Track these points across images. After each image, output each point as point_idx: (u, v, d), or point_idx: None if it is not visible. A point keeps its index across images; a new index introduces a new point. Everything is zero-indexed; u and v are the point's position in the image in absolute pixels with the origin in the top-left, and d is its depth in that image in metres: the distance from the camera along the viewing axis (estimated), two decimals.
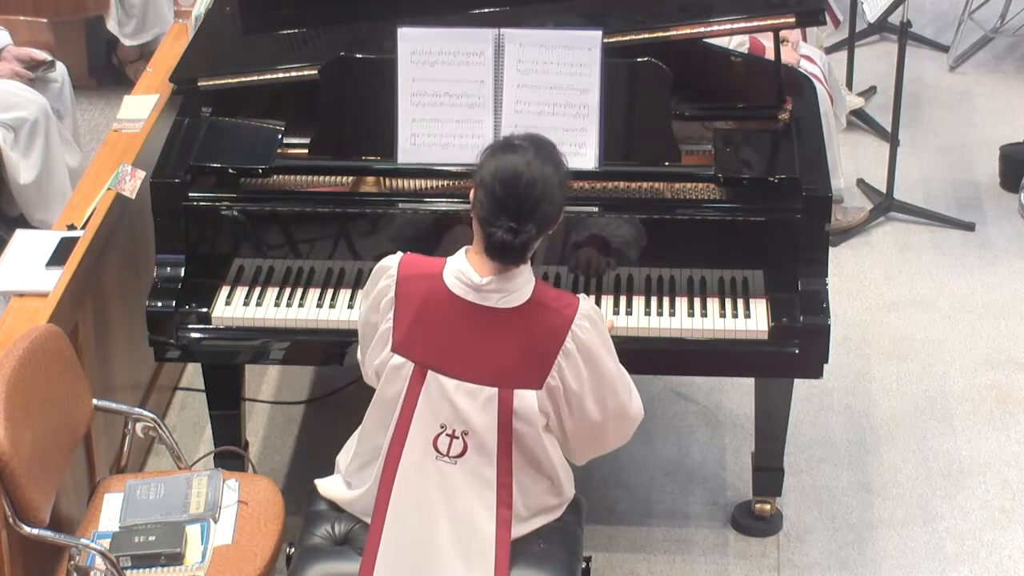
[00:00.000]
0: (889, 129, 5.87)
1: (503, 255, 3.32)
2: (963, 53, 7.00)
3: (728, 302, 4.00)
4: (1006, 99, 6.71)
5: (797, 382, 4.16)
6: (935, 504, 4.53)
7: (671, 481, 4.61)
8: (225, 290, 4.04)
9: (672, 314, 3.97)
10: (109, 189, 4.24)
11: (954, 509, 4.52)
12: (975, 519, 4.48)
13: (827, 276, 3.98)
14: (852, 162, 6.12)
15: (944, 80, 6.88)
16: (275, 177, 4.14)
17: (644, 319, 3.96)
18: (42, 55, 5.55)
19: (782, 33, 4.32)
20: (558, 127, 3.96)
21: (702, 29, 4.19)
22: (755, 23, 4.22)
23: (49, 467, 3.57)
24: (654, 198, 4.12)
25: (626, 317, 3.95)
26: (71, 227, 4.23)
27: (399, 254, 3.47)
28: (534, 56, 3.98)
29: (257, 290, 4.04)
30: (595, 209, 4.00)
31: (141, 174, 4.20)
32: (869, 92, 6.61)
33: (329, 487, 3.65)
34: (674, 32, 4.16)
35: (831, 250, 4.05)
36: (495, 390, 3.38)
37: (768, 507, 4.40)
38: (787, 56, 5.12)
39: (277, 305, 4.01)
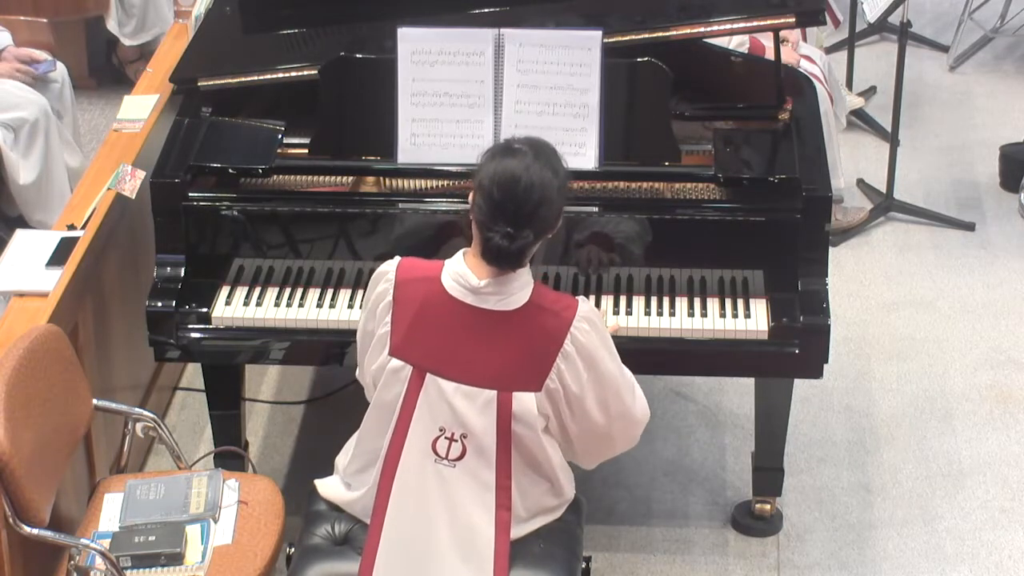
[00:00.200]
0: (889, 129, 5.87)
1: (499, 260, 3.31)
2: (963, 53, 7.00)
3: (728, 302, 4.00)
4: (1006, 99, 6.71)
5: (797, 382, 4.16)
6: (935, 504, 4.53)
7: (671, 481, 4.61)
8: (225, 290, 4.04)
9: (672, 314, 3.97)
10: (109, 189, 4.24)
11: (954, 509, 4.52)
12: (975, 519, 4.48)
13: (827, 276, 3.98)
14: (852, 162, 6.12)
15: (944, 80, 6.89)
16: (275, 177, 4.14)
17: (644, 319, 3.96)
18: (42, 55, 5.55)
19: (782, 33, 4.32)
20: (558, 127, 3.97)
21: (702, 29, 4.19)
22: (755, 23, 4.22)
23: (49, 467, 3.57)
24: (654, 198, 4.12)
25: (626, 317, 3.95)
26: (71, 227, 4.23)
27: (397, 259, 3.46)
28: (534, 56, 3.98)
29: (257, 290, 4.04)
30: (595, 209, 4.00)
31: (141, 174, 4.20)
32: (869, 92, 6.61)
33: (329, 488, 3.65)
34: (674, 32, 4.17)
35: (831, 250, 4.05)
36: (494, 393, 3.37)
37: (768, 507, 4.40)
38: (787, 56, 5.13)
39: (277, 305, 4.01)
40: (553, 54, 3.97)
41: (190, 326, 3.99)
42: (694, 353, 3.97)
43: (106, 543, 3.61)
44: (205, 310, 3.99)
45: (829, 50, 6.58)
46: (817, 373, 3.99)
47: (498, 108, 4.01)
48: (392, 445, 3.44)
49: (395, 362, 3.41)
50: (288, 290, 4.04)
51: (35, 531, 3.48)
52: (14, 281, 4.06)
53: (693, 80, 4.27)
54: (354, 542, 3.56)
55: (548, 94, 3.99)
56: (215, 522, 3.70)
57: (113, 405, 3.97)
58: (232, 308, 4.00)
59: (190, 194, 4.03)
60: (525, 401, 3.38)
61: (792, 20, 4.19)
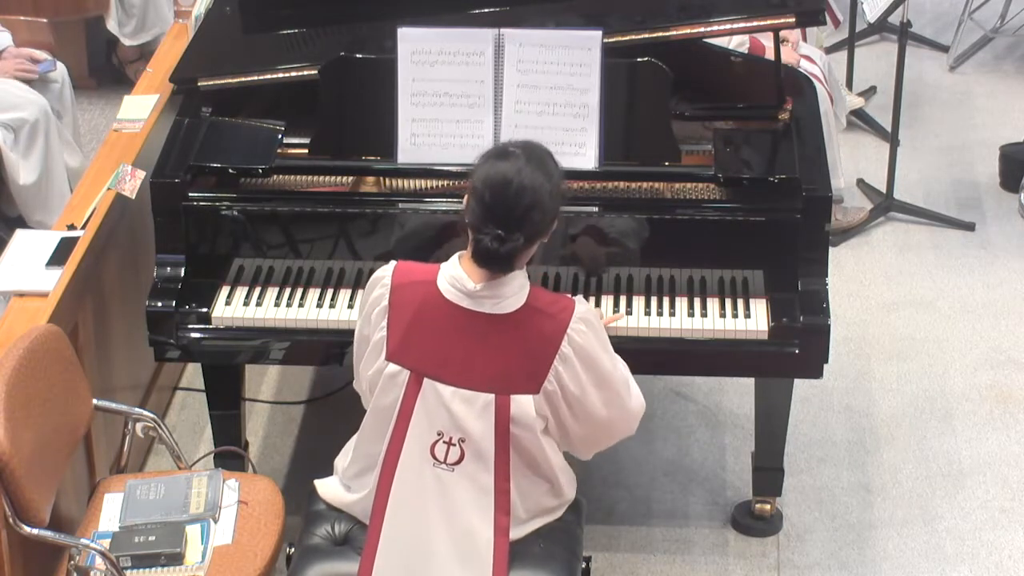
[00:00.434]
0: (889, 129, 5.87)
1: (489, 263, 3.31)
2: (963, 53, 7.00)
3: (728, 302, 3.99)
4: (1006, 99, 6.71)
5: (797, 382, 4.16)
6: (935, 504, 4.53)
7: (671, 481, 4.60)
8: (225, 290, 4.04)
9: (672, 314, 3.97)
10: (109, 189, 4.24)
11: (954, 509, 4.52)
12: (975, 519, 4.48)
13: (827, 276, 3.98)
14: (852, 162, 6.12)
15: (944, 80, 6.89)
16: (275, 177, 4.14)
17: (644, 319, 3.96)
18: (42, 55, 5.55)
19: (782, 33, 4.32)
20: (558, 127, 3.97)
21: (702, 29, 4.19)
22: (755, 23, 4.22)
23: (49, 467, 3.57)
24: (654, 198, 4.12)
25: (626, 317, 3.95)
26: (71, 227, 4.23)
27: (392, 263, 3.46)
28: (534, 56, 3.98)
29: (257, 290, 4.04)
30: (595, 209, 4.00)
31: (141, 174, 4.20)
32: (869, 92, 6.61)
33: (328, 489, 3.65)
34: (674, 32, 4.17)
35: (831, 250, 4.05)
36: (492, 396, 3.37)
37: (768, 507, 4.40)
38: (787, 56, 5.13)
39: (277, 305, 4.01)
40: (553, 54, 3.97)
41: (190, 326, 3.99)
42: (694, 353, 3.97)
43: (106, 543, 3.61)
44: (205, 310, 3.99)
45: (829, 50, 6.58)
46: (817, 373, 3.99)
47: (498, 108, 4.01)
48: (390, 450, 3.43)
49: (392, 367, 3.40)
50: (288, 290, 4.04)
51: (35, 531, 3.48)
52: (14, 281, 4.06)
53: (693, 80, 4.27)
54: (354, 542, 3.56)
55: (548, 94, 3.99)
56: (215, 522, 3.70)
57: (113, 405, 3.97)
58: (232, 308, 4.00)
59: (190, 194, 4.03)
60: (523, 404, 3.37)
61: (792, 20, 4.19)
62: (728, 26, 4.23)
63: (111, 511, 3.75)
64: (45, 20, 6.18)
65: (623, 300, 4.00)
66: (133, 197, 4.23)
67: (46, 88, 5.51)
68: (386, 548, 3.44)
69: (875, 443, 4.77)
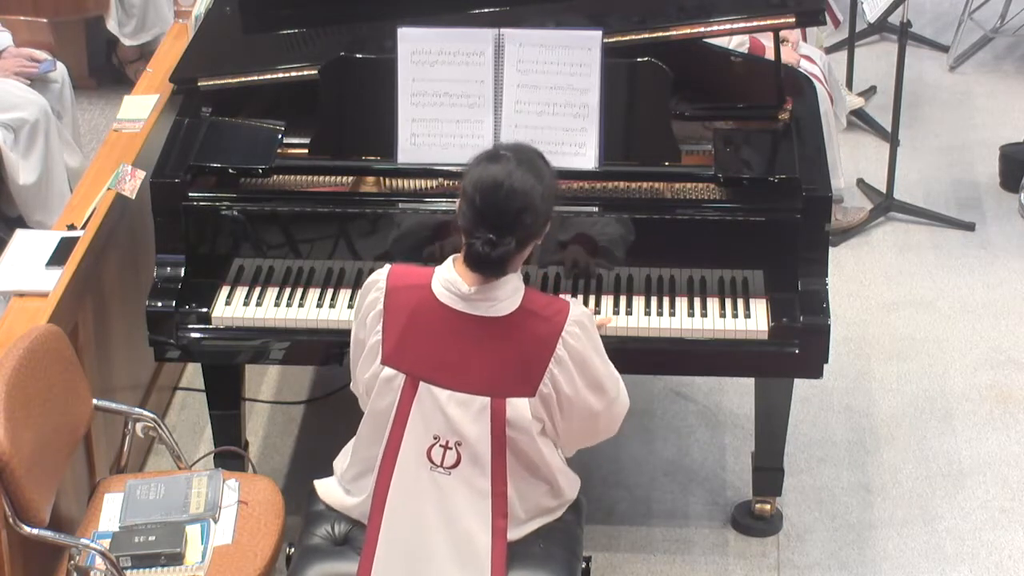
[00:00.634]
0: (889, 129, 5.87)
1: (481, 267, 3.30)
2: (963, 53, 7.00)
3: (728, 302, 3.99)
4: (1006, 99, 6.71)
5: (797, 382, 4.16)
6: (935, 504, 4.53)
7: (671, 481, 4.60)
8: (225, 290, 4.04)
9: (672, 314, 3.96)
10: (109, 189, 4.24)
11: (954, 509, 4.52)
12: (975, 519, 4.48)
13: (827, 276, 3.98)
14: (852, 162, 6.12)
15: (944, 80, 6.88)
16: (275, 177, 4.14)
17: (644, 319, 3.96)
18: (42, 55, 5.55)
19: (782, 33, 4.32)
20: (558, 127, 3.97)
21: (702, 29, 4.19)
22: (755, 23, 4.22)
23: (49, 467, 3.57)
24: (654, 198, 4.12)
25: (626, 317, 3.95)
26: (71, 227, 4.23)
27: (387, 267, 3.46)
28: (534, 56, 3.98)
29: (257, 290, 4.04)
30: (595, 209, 4.00)
31: (141, 174, 4.20)
32: (869, 92, 6.61)
33: (327, 491, 3.64)
34: (674, 32, 4.17)
35: (831, 250, 4.05)
36: (487, 400, 3.36)
37: (768, 507, 4.40)
38: (787, 56, 5.13)
39: (277, 305, 4.01)
40: (553, 54, 3.97)
41: (190, 326, 3.99)
42: (694, 353, 3.97)
43: (106, 543, 3.61)
44: (205, 310, 3.99)
45: (829, 50, 6.58)
46: (817, 373, 3.99)
47: (498, 108, 4.01)
48: (387, 454, 3.43)
49: (388, 371, 3.40)
50: (288, 290, 4.04)
51: (35, 531, 3.48)
52: (14, 281, 4.06)
53: (693, 80, 4.27)
54: (354, 542, 3.55)
55: (548, 94, 3.98)
56: (215, 522, 3.70)
57: (113, 405, 3.97)
58: (232, 308, 4.00)
59: (190, 194, 4.03)
60: (519, 407, 3.37)
61: (792, 20, 4.19)
62: (728, 26, 4.23)
63: (111, 511, 3.75)
64: (45, 20, 6.18)
65: (623, 300, 4.00)
66: (133, 197, 4.23)
67: (46, 88, 5.51)
68: (385, 551, 3.44)
69: (875, 443, 4.77)
